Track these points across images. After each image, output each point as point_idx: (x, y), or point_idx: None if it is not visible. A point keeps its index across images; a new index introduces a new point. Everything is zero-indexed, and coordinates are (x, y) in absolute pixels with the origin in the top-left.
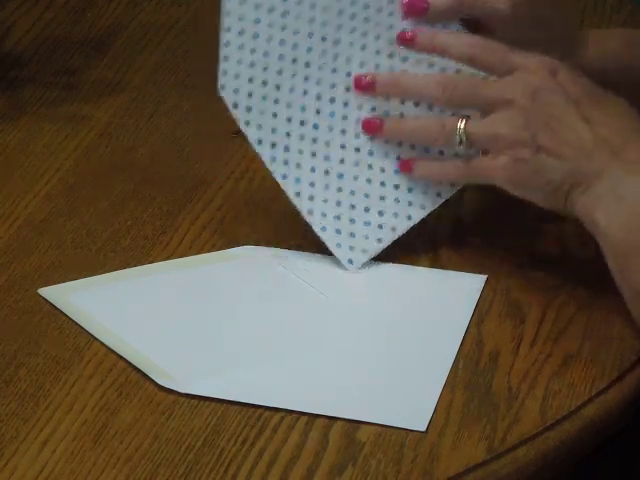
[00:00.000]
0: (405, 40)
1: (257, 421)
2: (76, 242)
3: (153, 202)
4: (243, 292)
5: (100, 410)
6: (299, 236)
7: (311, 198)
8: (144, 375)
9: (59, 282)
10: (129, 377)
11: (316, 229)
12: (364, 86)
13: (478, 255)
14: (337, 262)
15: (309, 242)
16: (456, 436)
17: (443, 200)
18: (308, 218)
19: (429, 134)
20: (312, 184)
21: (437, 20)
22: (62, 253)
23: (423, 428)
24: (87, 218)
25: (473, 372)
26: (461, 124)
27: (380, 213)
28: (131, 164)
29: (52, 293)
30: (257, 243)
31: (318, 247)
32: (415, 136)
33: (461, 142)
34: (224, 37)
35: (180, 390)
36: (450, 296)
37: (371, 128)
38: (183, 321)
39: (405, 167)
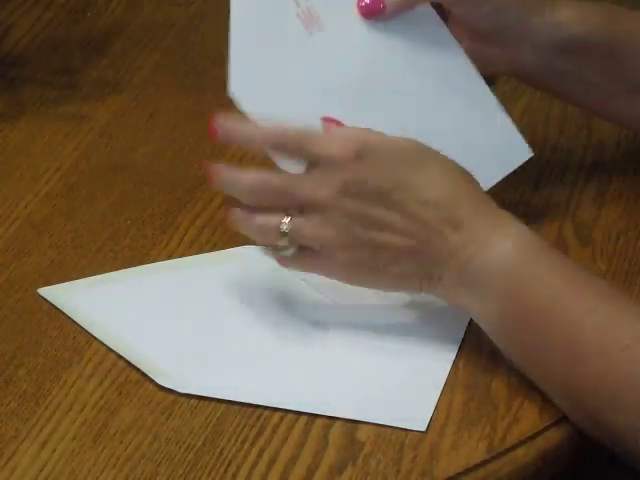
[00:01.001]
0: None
1: (257, 421)
2: (76, 242)
3: (153, 202)
4: (243, 292)
5: (100, 410)
6: None
7: None
8: (144, 375)
9: (59, 282)
10: (129, 377)
11: None
12: None
13: None
14: None
15: None
16: (456, 436)
17: None
18: None
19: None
20: None
21: (397, 13)
22: (62, 253)
23: (423, 428)
24: (87, 218)
25: (473, 372)
26: (286, 220)
27: None
28: (131, 164)
29: (52, 293)
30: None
31: None
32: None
33: (285, 242)
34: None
35: (180, 390)
36: None
37: None
38: (183, 321)
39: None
